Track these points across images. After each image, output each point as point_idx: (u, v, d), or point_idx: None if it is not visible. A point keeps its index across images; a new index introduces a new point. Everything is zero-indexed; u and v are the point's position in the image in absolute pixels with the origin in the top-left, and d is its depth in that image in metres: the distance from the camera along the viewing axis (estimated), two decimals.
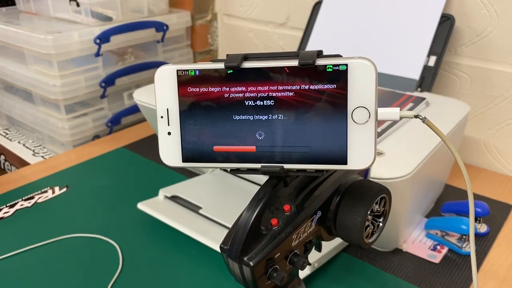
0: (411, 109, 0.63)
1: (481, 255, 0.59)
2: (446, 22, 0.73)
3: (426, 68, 0.73)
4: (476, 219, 0.63)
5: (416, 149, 0.54)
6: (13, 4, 1.04)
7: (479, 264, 0.58)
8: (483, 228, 0.63)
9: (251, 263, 0.32)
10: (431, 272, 0.56)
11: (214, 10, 1.10)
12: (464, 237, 0.60)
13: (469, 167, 0.80)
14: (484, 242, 0.61)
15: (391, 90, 0.70)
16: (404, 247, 0.60)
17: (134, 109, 0.98)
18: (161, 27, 0.98)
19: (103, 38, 0.87)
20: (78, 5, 0.87)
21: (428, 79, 0.73)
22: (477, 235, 0.62)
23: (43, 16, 0.96)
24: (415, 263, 0.58)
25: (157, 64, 1.00)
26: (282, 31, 0.99)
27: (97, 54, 0.88)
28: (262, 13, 1.01)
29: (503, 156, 0.78)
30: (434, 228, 0.62)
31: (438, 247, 0.60)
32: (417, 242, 0.61)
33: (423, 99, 0.66)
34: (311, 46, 0.83)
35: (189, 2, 1.04)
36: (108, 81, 0.91)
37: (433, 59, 0.73)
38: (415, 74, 0.72)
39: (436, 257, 0.59)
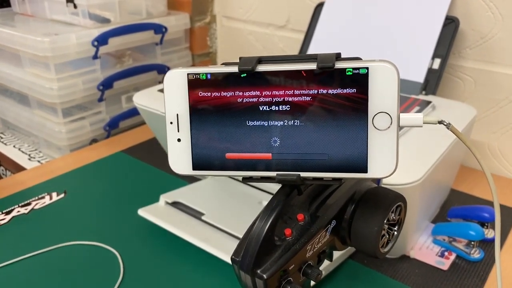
0: (417, 112, 0.62)
1: (490, 262, 0.58)
2: (451, 25, 0.72)
3: (430, 71, 0.72)
4: (483, 225, 0.62)
5: (425, 154, 0.53)
6: (8, 5, 1.02)
7: (488, 270, 0.57)
8: (490, 233, 0.62)
9: (265, 276, 0.30)
10: (440, 279, 0.55)
11: (213, 12, 1.08)
12: (472, 243, 0.59)
13: (473, 171, 0.79)
14: (492, 248, 0.60)
15: None
16: (411, 254, 0.59)
17: (132, 112, 0.96)
18: (159, 29, 0.96)
19: (101, 40, 0.85)
20: (75, 6, 0.86)
21: (433, 82, 0.72)
22: (485, 241, 0.61)
23: (39, 18, 0.94)
24: (423, 270, 0.57)
25: (155, 67, 0.99)
26: (283, 34, 0.98)
27: (95, 57, 0.86)
28: (262, 15, 0.99)
29: (508, 160, 0.77)
30: (442, 234, 0.61)
31: (446, 253, 0.59)
32: (424, 249, 0.60)
33: (429, 102, 0.65)
34: (312, 49, 0.82)
35: (188, 4, 1.03)
36: (106, 84, 0.89)
37: (437, 62, 0.72)
38: (420, 77, 0.71)
39: (444, 264, 0.57)
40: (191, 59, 1.08)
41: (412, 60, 0.73)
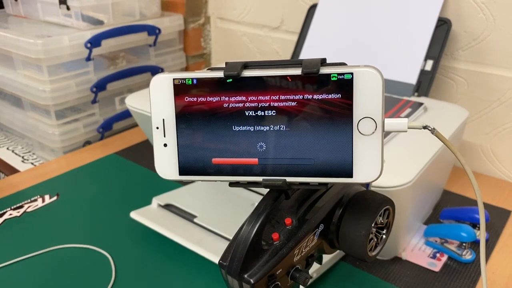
0: (409, 114, 0.62)
1: None
2: (443, 26, 0.72)
3: (423, 72, 0.72)
4: (475, 226, 0.62)
5: (416, 156, 0.53)
6: (1, 7, 1.02)
7: (479, 272, 0.57)
8: None
9: (252, 281, 0.30)
10: (432, 281, 0.55)
11: (207, 14, 1.08)
12: (464, 244, 0.59)
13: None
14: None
15: (388, 95, 0.69)
16: (403, 255, 0.59)
17: (126, 114, 0.96)
18: (153, 30, 0.96)
19: (94, 42, 0.85)
20: (68, 8, 0.86)
21: (425, 84, 0.72)
22: (477, 242, 0.61)
23: (32, 19, 0.94)
24: (415, 272, 0.57)
25: (149, 69, 0.98)
26: (276, 35, 0.98)
27: (88, 59, 0.86)
28: (256, 17, 0.99)
29: (500, 161, 0.78)
30: (434, 236, 0.61)
31: (438, 255, 0.59)
32: (416, 250, 0.60)
33: (421, 104, 0.65)
34: (306, 50, 0.82)
35: (182, 5, 1.03)
36: (99, 86, 0.89)
37: (430, 63, 0.72)
38: (412, 79, 0.72)
39: (436, 265, 0.58)
40: (185, 60, 1.08)
41: (404, 61, 0.73)
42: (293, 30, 0.94)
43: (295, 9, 0.92)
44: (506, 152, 0.77)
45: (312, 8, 0.84)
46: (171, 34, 1.02)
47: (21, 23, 0.93)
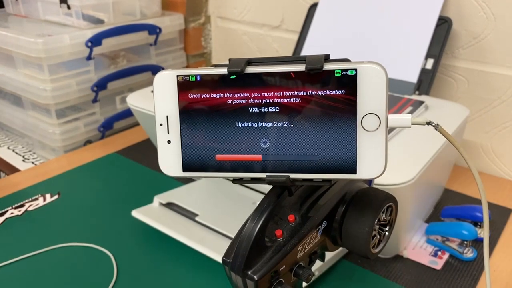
0: (410, 112, 0.62)
1: (483, 261, 0.58)
2: (444, 25, 0.73)
3: (423, 71, 0.72)
4: (476, 224, 0.62)
5: (418, 154, 0.53)
6: (2, 6, 1.02)
7: (481, 270, 0.57)
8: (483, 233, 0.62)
9: (256, 277, 0.30)
10: (433, 279, 0.55)
11: (207, 13, 1.08)
12: (465, 242, 0.59)
13: (467, 170, 0.79)
14: None
15: (390, 93, 0.69)
16: (404, 254, 0.59)
17: (127, 113, 0.96)
18: (153, 30, 0.96)
19: (95, 41, 0.85)
20: (68, 7, 0.86)
21: (426, 82, 0.72)
22: (478, 240, 0.61)
23: (33, 18, 0.94)
24: (417, 270, 0.57)
25: (150, 68, 0.98)
26: (277, 34, 0.98)
27: (89, 58, 0.86)
28: (256, 16, 0.99)
29: (501, 160, 0.78)
30: (435, 234, 0.61)
31: (439, 253, 0.59)
32: (418, 248, 0.60)
33: (422, 102, 0.65)
34: (306, 49, 0.82)
35: (182, 5, 1.03)
36: (100, 85, 0.89)
37: (430, 62, 0.72)
38: (413, 77, 0.72)
39: (438, 264, 0.58)
40: (185, 59, 1.08)
41: (405, 60, 0.73)
42: (293, 29, 0.94)
43: (296, 8, 0.92)
44: (507, 150, 0.77)
45: (313, 7, 0.84)
46: (172, 33, 1.02)
47: (21, 22, 0.93)
